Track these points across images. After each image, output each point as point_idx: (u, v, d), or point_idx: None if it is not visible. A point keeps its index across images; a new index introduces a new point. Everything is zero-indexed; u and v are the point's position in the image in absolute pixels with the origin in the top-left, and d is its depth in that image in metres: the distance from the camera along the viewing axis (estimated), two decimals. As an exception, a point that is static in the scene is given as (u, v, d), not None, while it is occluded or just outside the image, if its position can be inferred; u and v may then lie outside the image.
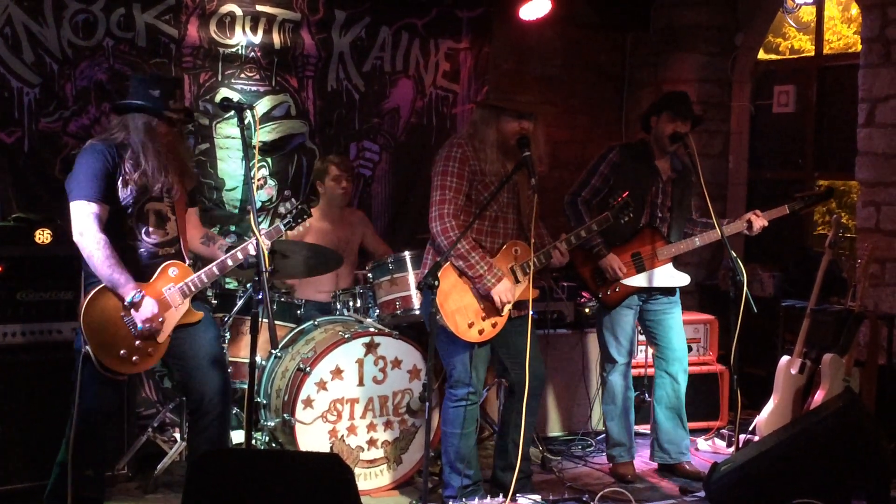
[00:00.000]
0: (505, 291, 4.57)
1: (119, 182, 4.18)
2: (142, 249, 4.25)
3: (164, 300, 4.21)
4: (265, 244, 4.15)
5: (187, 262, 4.33)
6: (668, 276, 5.31)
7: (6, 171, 5.54)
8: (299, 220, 4.47)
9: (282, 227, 4.45)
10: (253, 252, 4.20)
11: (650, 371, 5.93)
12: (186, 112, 4.43)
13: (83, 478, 4.21)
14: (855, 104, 6.18)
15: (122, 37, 5.81)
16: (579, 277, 5.48)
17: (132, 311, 4.11)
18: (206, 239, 4.56)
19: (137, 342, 4.17)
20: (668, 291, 5.38)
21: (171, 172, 4.29)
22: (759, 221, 5.28)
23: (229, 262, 4.30)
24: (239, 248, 4.29)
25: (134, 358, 4.18)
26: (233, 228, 5.84)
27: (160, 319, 4.16)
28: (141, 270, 4.21)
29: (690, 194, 5.44)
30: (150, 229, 4.27)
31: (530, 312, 4.58)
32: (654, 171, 5.32)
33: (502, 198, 4.65)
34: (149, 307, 4.12)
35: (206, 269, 4.29)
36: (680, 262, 5.37)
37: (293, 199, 4.62)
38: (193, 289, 4.27)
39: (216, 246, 4.57)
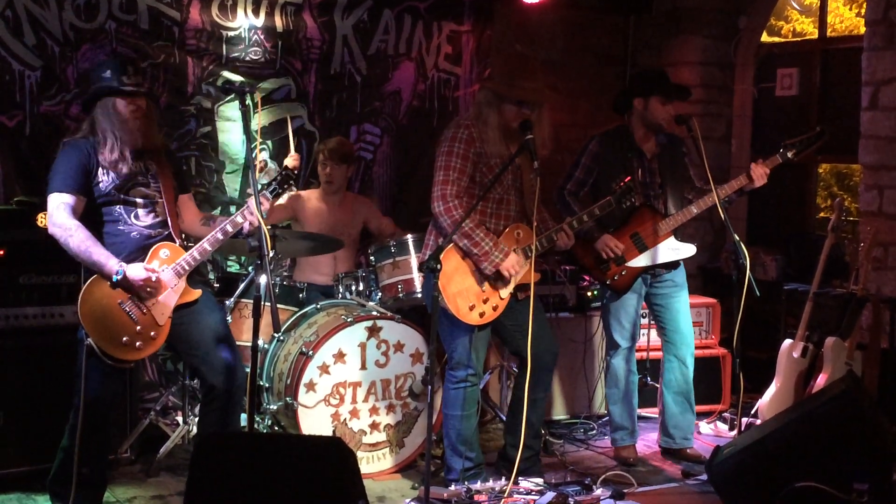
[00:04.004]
0: (514, 264, 4.57)
1: (98, 171, 4.17)
2: (133, 233, 4.23)
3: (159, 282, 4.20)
4: (256, 212, 4.12)
5: (178, 242, 4.31)
6: (672, 249, 5.27)
7: (8, 155, 5.52)
8: (284, 187, 4.42)
9: (268, 194, 4.42)
10: (241, 220, 4.21)
11: (653, 354, 5.93)
12: (144, 88, 4.26)
13: (87, 464, 4.22)
14: (858, 87, 6.15)
15: (124, 19, 5.78)
16: (584, 267, 5.45)
17: (127, 283, 4.09)
18: (206, 220, 4.54)
19: (138, 327, 4.16)
20: (673, 266, 5.34)
21: (148, 154, 4.28)
22: (759, 169, 5.12)
23: (220, 237, 4.26)
24: (227, 220, 4.27)
25: (137, 344, 4.17)
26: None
27: (153, 277, 4.12)
28: (133, 254, 4.20)
29: (683, 162, 5.37)
30: (140, 213, 4.26)
31: (531, 293, 4.56)
32: (637, 152, 5.28)
33: (506, 180, 4.64)
34: (137, 273, 4.10)
35: (197, 245, 4.28)
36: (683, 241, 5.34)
37: (281, 171, 4.54)
38: (187, 267, 4.25)
39: (216, 226, 4.56)
